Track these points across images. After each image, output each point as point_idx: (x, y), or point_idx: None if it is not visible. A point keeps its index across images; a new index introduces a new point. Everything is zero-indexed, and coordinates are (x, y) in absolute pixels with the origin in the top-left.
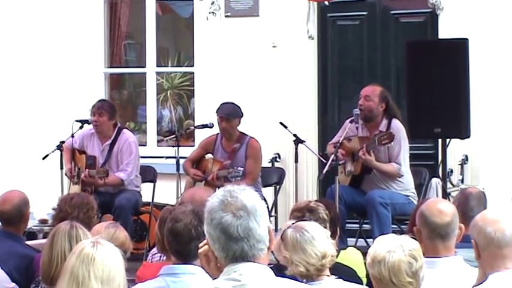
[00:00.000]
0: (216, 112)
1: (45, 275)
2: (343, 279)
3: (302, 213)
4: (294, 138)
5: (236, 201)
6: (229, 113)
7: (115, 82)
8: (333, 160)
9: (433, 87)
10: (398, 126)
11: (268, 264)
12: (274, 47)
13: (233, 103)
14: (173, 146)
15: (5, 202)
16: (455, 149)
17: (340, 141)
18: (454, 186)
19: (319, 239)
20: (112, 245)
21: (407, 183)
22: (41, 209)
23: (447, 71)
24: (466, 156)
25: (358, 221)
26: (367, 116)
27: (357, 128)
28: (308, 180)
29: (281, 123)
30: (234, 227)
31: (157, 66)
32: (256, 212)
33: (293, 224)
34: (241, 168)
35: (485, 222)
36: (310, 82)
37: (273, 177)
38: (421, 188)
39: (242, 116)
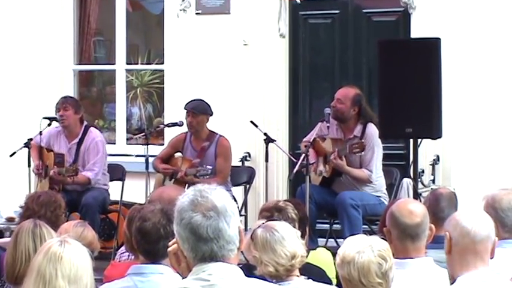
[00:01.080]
0: (184, 107)
1: (9, 274)
2: (313, 280)
3: (271, 212)
4: (265, 137)
5: (206, 201)
6: (196, 107)
7: (84, 79)
8: (303, 160)
9: (405, 87)
10: (372, 132)
11: (238, 264)
12: (245, 45)
13: (203, 100)
14: (142, 144)
15: None
16: (427, 149)
17: (312, 140)
18: (425, 186)
19: (289, 239)
20: (80, 244)
21: (379, 185)
22: (8, 207)
23: (419, 70)
24: (438, 156)
25: (328, 221)
26: (339, 117)
27: (328, 128)
28: (278, 180)
29: (252, 122)
30: (204, 227)
31: (127, 63)
32: (226, 212)
33: (263, 223)
34: (211, 167)
35: (464, 218)
36: (281, 81)
37: (243, 176)
38: (392, 188)
39: (211, 115)
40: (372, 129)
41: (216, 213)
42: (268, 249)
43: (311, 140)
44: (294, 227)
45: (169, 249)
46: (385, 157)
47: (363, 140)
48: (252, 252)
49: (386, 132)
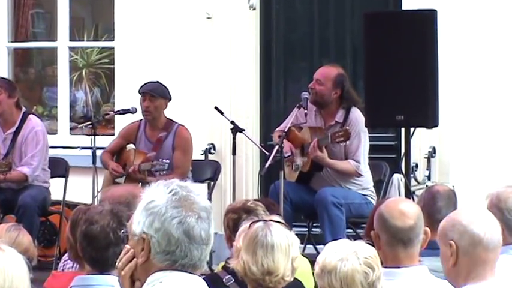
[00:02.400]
0: (139, 90)
1: None
2: None
3: (238, 214)
4: (232, 126)
5: (195, 200)
6: (153, 90)
7: (20, 58)
8: (277, 152)
9: (395, 67)
10: (357, 117)
11: (201, 275)
12: (208, 18)
13: (160, 83)
14: (89, 135)
15: None
16: (421, 140)
17: (286, 129)
18: (419, 183)
19: (278, 251)
20: (14, 251)
21: (365, 182)
22: None
23: (412, 48)
24: (434, 148)
25: (306, 224)
26: (318, 101)
27: (306, 115)
28: (248, 176)
29: (216, 108)
30: (199, 229)
31: (70, 40)
32: (211, 215)
33: (271, 220)
34: (168, 161)
35: (471, 222)
36: (250, 60)
37: (206, 171)
38: (381, 185)
39: (170, 99)
40: (357, 114)
41: (207, 214)
42: (249, 248)
43: (286, 130)
44: None
45: (122, 272)
46: (373, 149)
47: (347, 127)
48: (237, 241)
49: (374, 120)
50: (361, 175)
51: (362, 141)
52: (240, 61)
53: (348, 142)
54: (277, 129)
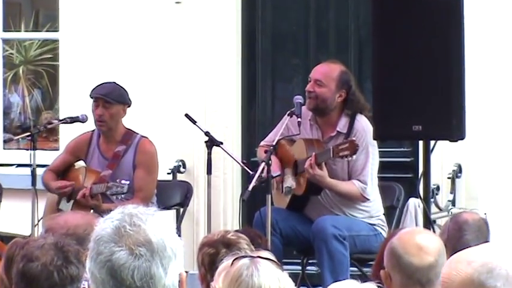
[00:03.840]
0: (90, 94)
1: None
2: None
3: (215, 248)
4: (207, 138)
5: (138, 231)
6: (108, 94)
7: None
8: (263, 171)
9: (411, 65)
10: (365, 127)
11: None
12: (177, 3)
13: (117, 84)
14: (27, 149)
15: None
16: (444, 155)
17: (275, 143)
18: (441, 210)
19: None
20: None
21: (373, 208)
22: None
23: (433, 41)
24: (459, 166)
25: (300, 260)
26: (319, 108)
27: (299, 124)
28: (227, 201)
29: (187, 115)
30: (129, 269)
31: (4, 30)
32: (164, 251)
33: (259, 257)
34: (127, 182)
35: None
36: (230, 56)
37: (174, 195)
38: (393, 212)
39: (129, 105)
40: (364, 123)
41: (149, 251)
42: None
43: (274, 143)
44: None
45: None
46: (383, 167)
47: (353, 138)
48: (216, 279)
49: (384, 130)
50: (368, 199)
51: (370, 157)
52: (217, 57)
53: (354, 157)
54: (263, 142)
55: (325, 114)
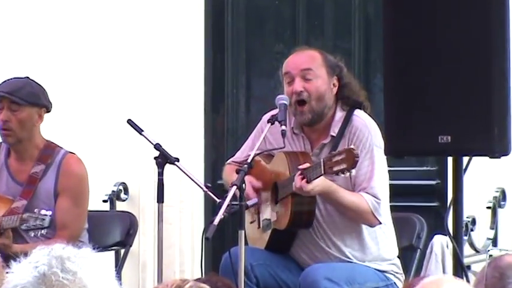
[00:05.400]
0: None
1: None
2: None
3: None
4: (157, 153)
5: (73, 280)
6: (16, 91)
7: None
8: (234, 198)
9: (437, 57)
10: (366, 124)
11: None
12: None
13: (31, 80)
14: None
15: None
16: (481, 177)
17: (250, 159)
18: (477, 251)
19: None
20: None
21: (383, 248)
22: None
23: (467, 29)
24: (503, 192)
25: None
26: (316, 115)
27: (284, 134)
28: (184, 238)
29: (130, 122)
30: None
31: None
32: None
33: None
34: (49, 213)
35: None
36: (190, 42)
37: (113, 231)
38: (412, 254)
39: (48, 109)
40: (365, 117)
41: None
42: None
43: (249, 159)
44: None
45: None
46: (399, 194)
47: (352, 146)
48: None
49: (401, 144)
50: (380, 223)
51: (376, 161)
52: (172, 43)
53: (352, 172)
54: (232, 159)
55: (320, 121)
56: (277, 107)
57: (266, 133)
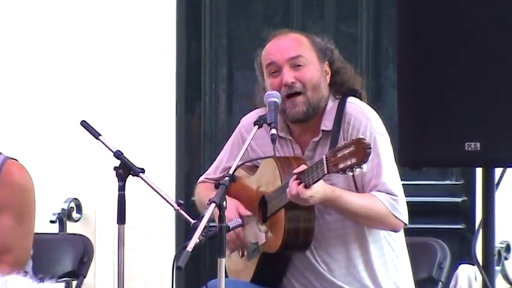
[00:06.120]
0: None
1: None
2: None
3: None
4: (118, 162)
5: None
6: None
7: None
8: (211, 219)
9: (463, 48)
10: (364, 110)
11: None
12: None
13: None
14: None
15: None
16: None
17: (232, 171)
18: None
19: None
20: None
21: (397, 280)
22: None
23: (498, 14)
24: None
25: None
26: (313, 107)
27: (274, 140)
28: (150, 268)
29: (84, 124)
30: None
31: None
32: None
33: None
34: None
35: None
36: (162, 34)
37: (63, 258)
38: (433, 287)
39: None
40: (360, 104)
41: None
42: None
43: (231, 171)
44: None
45: None
46: (417, 213)
47: (361, 136)
48: None
49: (418, 153)
50: (405, 224)
51: (384, 155)
52: (137, 29)
53: (363, 168)
54: (204, 175)
55: (314, 116)
56: (264, 106)
57: (251, 140)
